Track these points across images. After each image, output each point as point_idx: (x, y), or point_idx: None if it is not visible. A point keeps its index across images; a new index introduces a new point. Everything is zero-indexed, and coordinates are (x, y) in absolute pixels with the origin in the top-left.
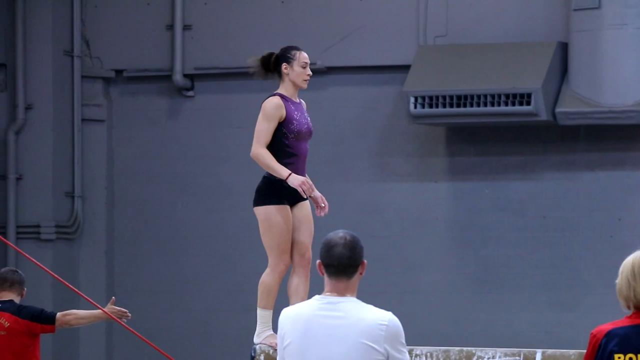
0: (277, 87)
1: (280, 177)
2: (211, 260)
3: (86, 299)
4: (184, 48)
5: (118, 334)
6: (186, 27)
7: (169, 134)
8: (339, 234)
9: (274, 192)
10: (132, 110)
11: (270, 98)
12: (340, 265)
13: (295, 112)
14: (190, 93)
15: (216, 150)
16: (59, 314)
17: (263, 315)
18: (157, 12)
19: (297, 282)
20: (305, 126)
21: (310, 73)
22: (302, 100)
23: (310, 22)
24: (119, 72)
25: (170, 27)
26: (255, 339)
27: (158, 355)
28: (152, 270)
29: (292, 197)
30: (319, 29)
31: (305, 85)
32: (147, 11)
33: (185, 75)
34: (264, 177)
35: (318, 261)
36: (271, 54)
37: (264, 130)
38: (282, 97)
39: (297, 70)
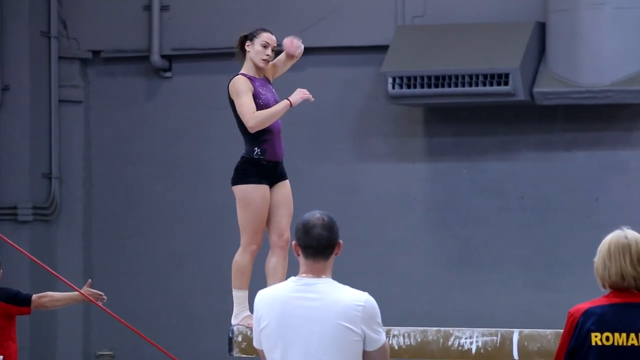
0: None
1: (288, 107)
2: (190, 241)
3: (63, 280)
4: (161, 29)
5: (95, 316)
6: (164, 8)
7: (147, 115)
8: (316, 215)
9: (253, 171)
10: (109, 91)
11: (234, 78)
12: (320, 246)
13: (261, 88)
14: (168, 74)
15: (194, 131)
16: (34, 296)
17: (239, 296)
18: None
19: (276, 263)
20: (273, 100)
21: (270, 54)
22: (268, 78)
23: (288, 3)
24: (96, 53)
25: (148, 7)
26: (233, 321)
27: (136, 337)
28: (130, 251)
29: (271, 177)
30: (297, 9)
31: (262, 65)
32: None
33: (163, 56)
34: (243, 157)
35: (294, 242)
36: (244, 35)
37: (246, 102)
38: (244, 75)
39: (257, 49)
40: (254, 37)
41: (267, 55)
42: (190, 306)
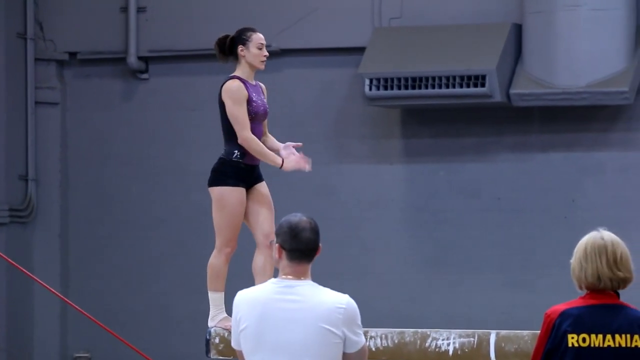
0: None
1: (275, 165)
2: (167, 243)
3: (40, 282)
4: (138, 30)
5: (72, 318)
6: (140, 9)
7: (124, 117)
8: (303, 218)
9: (231, 173)
10: (86, 92)
11: (230, 82)
12: (307, 249)
13: (254, 94)
14: (145, 76)
15: (171, 133)
16: None
17: (215, 298)
18: None
19: (264, 262)
20: (262, 108)
21: (267, 54)
22: (259, 83)
23: (265, 4)
24: (72, 54)
25: (125, 9)
26: (210, 323)
27: (113, 339)
28: (107, 253)
29: (248, 180)
30: (274, 10)
31: (262, 67)
32: None
33: (140, 58)
34: (221, 158)
35: (277, 244)
36: (226, 37)
37: (241, 114)
38: (240, 79)
39: (254, 52)
40: (246, 40)
41: (265, 56)
42: (167, 308)
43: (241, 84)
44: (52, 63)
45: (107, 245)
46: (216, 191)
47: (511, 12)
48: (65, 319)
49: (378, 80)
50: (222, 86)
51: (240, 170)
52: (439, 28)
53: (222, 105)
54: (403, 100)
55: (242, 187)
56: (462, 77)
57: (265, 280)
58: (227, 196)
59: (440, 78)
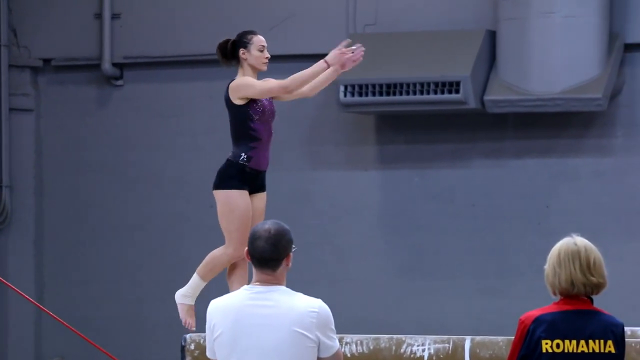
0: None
1: (321, 69)
2: (142, 249)
3: (14, 289)
4: (112, 37)
5: (46, 324)
6: (115, 16)
7: (99, 123)
8: (265, 226)
9: (235, 175)
10: (60, 99)
11: (235, 79)
12: (262, 259)
13: None
14: (120, 82)
15: (146, 140)
16: None
17: (196, 283)
18: (86, 0)
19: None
20: (269, 107)
21: (269, 55)
22: None
23: (240, 11)
24: (47, 61)
25: (99, 15)
26: (177, 297)
27: (88, 346)
28: (82, 260)
29: (252, 185)
30: (249, 17)
31: (265, 68)
32: None
33: (114, 65)
34: (228, 160)
35: (245, 249)
36: (227, 41)
37: (259, 84)
38: None
39: (255, 54)
40: (248, 43)
41: (266, 57)
42: (142, 314)
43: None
44: (26, 70)
45: (82, 251)
46: (222, 194)
47: (485, 19)
48: (39, 325)
49: (352, 86)
50: (227, 87)
51: (244, 173)
52: (414, 35)
53: (231, 106)
54: (377, 106)
55: (247, 190)
56: (436, 84)
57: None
58: (234, 199)
59: (414, 84)
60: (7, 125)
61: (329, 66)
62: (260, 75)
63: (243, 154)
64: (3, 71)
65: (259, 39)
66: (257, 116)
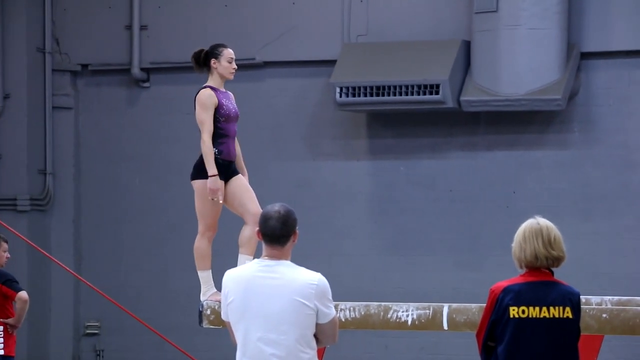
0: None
1: (207, 171)
2: (165, 227)
3: (56, 262)
4: (140, 45)
5: (84, 293)
6: (142, 27)
7: (128, 120)
8: (275, 208)
9: None
10: (96, 99)
11: (202, 90)
12: (274, 235)
13: (224, 100)
14: (147, 84)
15: (168, 134)
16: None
17: (204, 276)
18: (118, 14)
19: (249, 235)
20: (233, 110)
21: (236, 67)
22: (229, 92)
23: (249, 23)
24: (84, 66)
25: (129, 27)
26: (202, 298)
27: (119, 311)
28: (114, 237)
29: (226, 173)
30: (257, 28)
31: (231, 77)
32: (108, 13)
33: (142, 69)
34: (202, 155)
35: (257, 229)
36: (201, 51)
37: (207, 120)
38: (211, 88)
39: (224, 65)
40: (218, 55)
41: (234, 68)
42: (166, 283)
43: (212, 92)
44: (67, 73)
45: (114, 229)
46: (198, 184)
47: (461, 30)
48: (78, 293)
49: (347, 88)
50: (196, 94)
51: (218, 165)
52: (399, 44)
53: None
54: (369, 105)
55: (221, 179)
56: (419, 86)
57: (247, 251)
58: (206, 188)
59: (400, 87)
60: (51, 121)
61: (209, 176)
62: (226, 84)
63: (215, 149)
64: (47, 75)
65: (228, 52)
66: (223, 118)
